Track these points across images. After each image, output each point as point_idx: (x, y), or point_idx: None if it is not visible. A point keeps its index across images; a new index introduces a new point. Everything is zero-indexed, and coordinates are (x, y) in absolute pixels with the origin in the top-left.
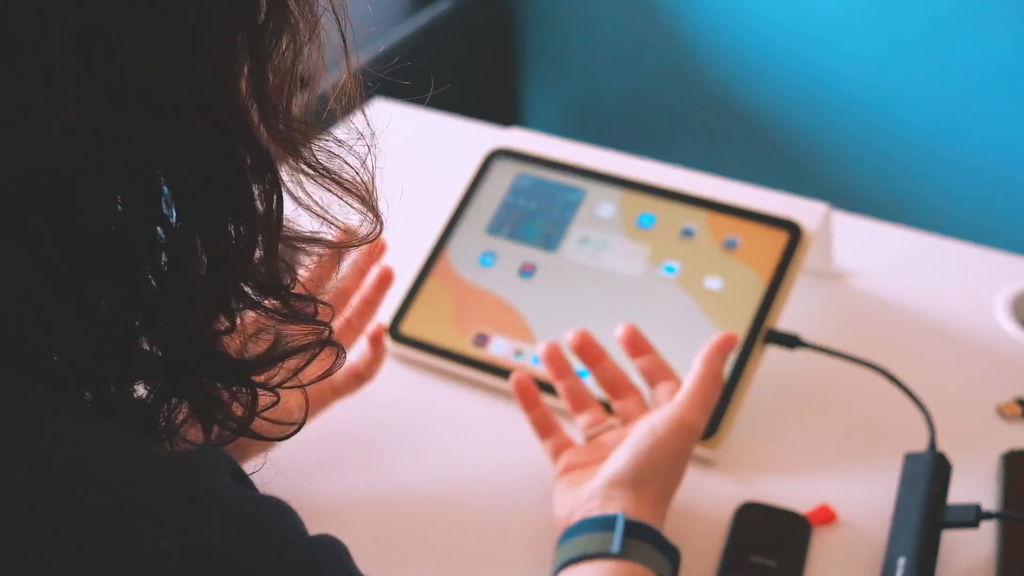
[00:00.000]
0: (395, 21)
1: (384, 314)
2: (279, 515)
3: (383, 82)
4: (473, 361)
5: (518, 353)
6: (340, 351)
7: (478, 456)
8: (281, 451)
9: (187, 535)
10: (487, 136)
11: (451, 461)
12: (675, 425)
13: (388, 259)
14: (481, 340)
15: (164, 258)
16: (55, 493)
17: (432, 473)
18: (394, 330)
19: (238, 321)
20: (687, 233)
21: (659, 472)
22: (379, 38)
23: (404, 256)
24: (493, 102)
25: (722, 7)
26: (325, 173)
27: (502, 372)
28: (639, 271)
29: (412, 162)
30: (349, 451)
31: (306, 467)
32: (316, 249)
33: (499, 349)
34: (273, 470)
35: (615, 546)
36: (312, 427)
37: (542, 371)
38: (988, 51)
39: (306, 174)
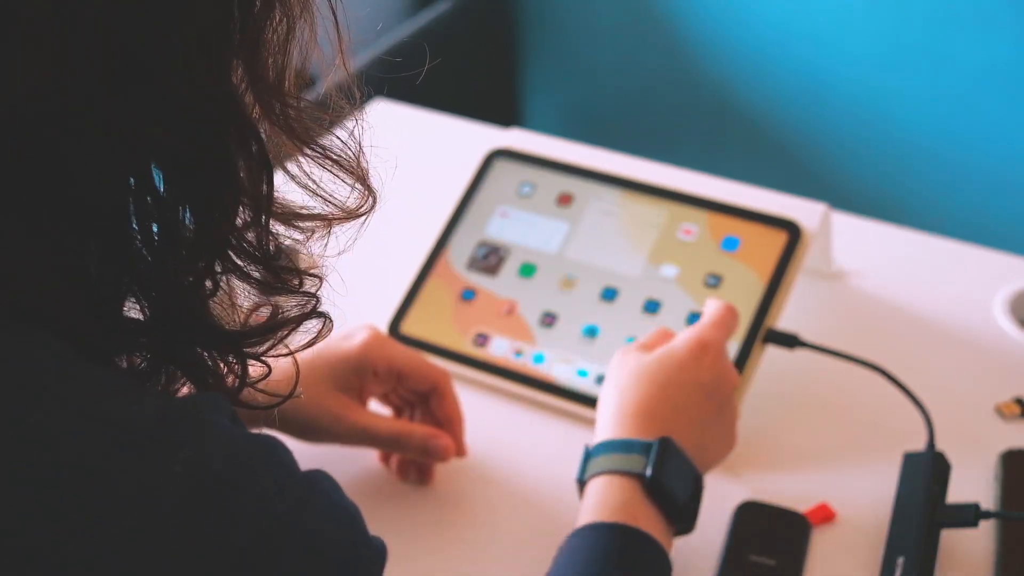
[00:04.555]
0: (395, 21)
1: (384, 314)
2: (275, 451)
3: (383, 82)
4: (473, 361)
5: (518, 353)
6: (327, 321)
7: (476, 455)
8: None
9: (195, 462)
10: (487, 136)
11: (451, 460)
12: (688, 338)
13: (388, 258)
14: (481, 340)
15: (152, 222)
16: (65, 431)
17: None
18: (394, 330)
19: (223, 286)
20: (687, 233)
21: (660, 373)
22: (379, 38)
23: (404, 256)
24: (493, 102)
25: (722, 7)
26: (318, 149)
27: (502, 372)
28: (639, 271)
29: (412, 162)
30: (349, 450)
31: (306, 466)
32: (307, 224)
33: (499, 349)
34: None
35: (579, 472)
36: None
37: (542, 371)
38: (988, 51)
39: (300, 151)
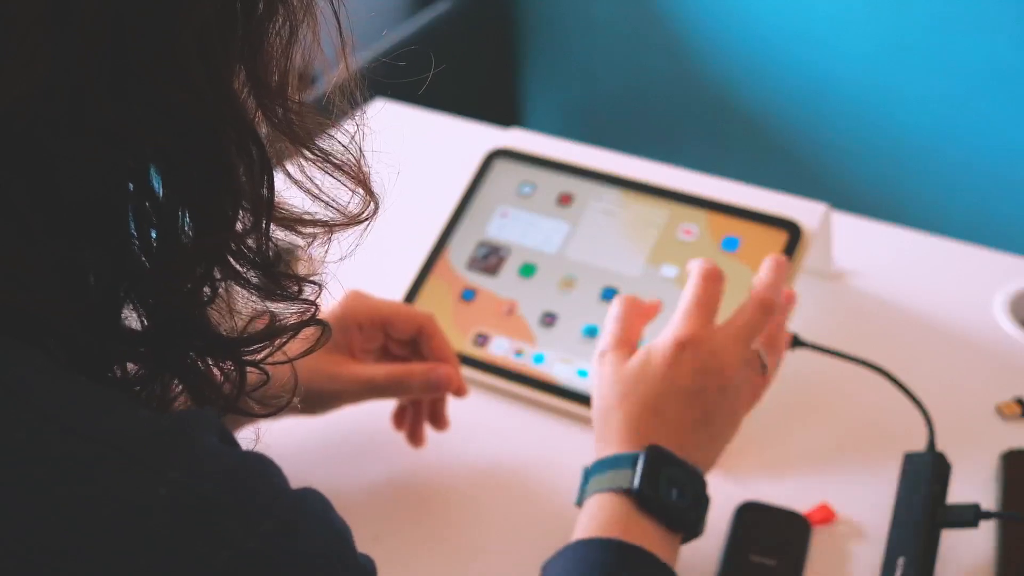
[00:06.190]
0: (395, 21)
1: None
2: (264, 470)
3: (383, 82)
4: (473, 361)
5: (518, 353)
6: (325, 329)
7: (477, 455)
8: (279, 449)
9: (181, 483)
10: (487, 136)
11: (450, 460)
12: (663, 342)
13: (388, 258)
14: (481, 340)
15: (151, 227)
16: (50, 448)
17: (431, 472)
18: None
19: (222, 292)
20: (687, 233)
21: (640, 387)
22: (379, 38)
23: (404, 256)
24: (493, 102)
25: (722, 7)
26: (320, 154)
27: (502, 372)
28: (639, 271)
29: (412, 162)
30: (348, 449)
31: (305, 466)
32: (308, 229)
33: (499, 349)
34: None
35: (576, 498)
36: (311, 425)
37: (542, 371)
38: (988, 51)
39: (303, 156)
